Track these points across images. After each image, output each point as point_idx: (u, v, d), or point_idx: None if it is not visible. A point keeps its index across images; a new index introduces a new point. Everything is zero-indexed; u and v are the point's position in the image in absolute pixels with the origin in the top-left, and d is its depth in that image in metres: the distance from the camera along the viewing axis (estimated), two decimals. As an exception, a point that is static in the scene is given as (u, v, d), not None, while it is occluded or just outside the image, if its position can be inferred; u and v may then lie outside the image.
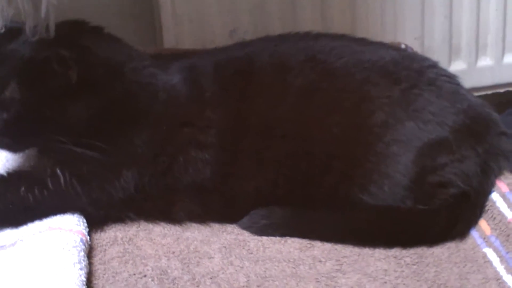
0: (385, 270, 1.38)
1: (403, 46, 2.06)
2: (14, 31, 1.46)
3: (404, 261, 1.41)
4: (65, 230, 1.35)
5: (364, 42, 1.66)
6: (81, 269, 1.26)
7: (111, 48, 1.53)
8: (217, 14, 2.09)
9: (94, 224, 1.43)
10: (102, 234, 1.44)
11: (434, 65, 1.62)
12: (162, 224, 1.49)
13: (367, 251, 1.44)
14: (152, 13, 2.18)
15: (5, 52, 1.46)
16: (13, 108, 1.41)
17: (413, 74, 1.55)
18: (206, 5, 2.08)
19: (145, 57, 1.56)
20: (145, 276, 1.32)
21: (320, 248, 1.45)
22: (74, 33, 1.50)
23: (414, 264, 1.40)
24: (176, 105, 1.51)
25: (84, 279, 1.25)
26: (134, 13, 2.24)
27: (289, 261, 1.40)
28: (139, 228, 1.47)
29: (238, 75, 1.55)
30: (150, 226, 1.48)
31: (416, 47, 2.17)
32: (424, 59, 1.66)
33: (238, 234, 1.49)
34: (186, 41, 2.05)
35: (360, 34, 1.74)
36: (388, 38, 2.09)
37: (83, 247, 1.33)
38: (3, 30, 1.42)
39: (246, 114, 1.52)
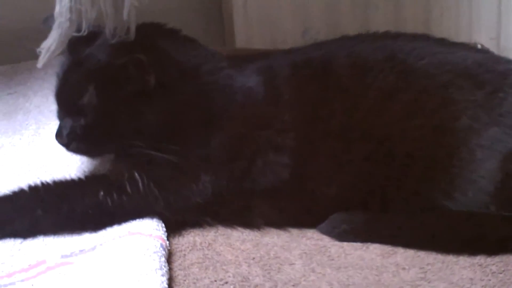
0: (471, 279, 1.33)
1: (479, 46, 2.01)
2: (90, 35, 1.46)
3: (490, 269, 1.35)
4: (145, 235, 1.33)
5: (444, 43, 1.61)
6: (162, 275, 1.23)
7: (187, 50, 1.52)
8: (289, 14, 2.07)
9: (172, 228, 1.41)
10: (181, 239, 1.42)
11: (518, 67, 1.57)
12: (240, 228, 1.47)
13: (451, 258, 1.39)
14: (221, 13, 2.16)
15: (82, 57, 1.45)
16: (90, 113, 1.41)
17: (497, 77, 1.50)
18: (278, 6, 2.06)
19: (221, 58, 1.54)
20: (226, 283, 1.29)
21: (402, 254, 1.41)
22: (150, 35, 1.48)
23: (500, 273, 1.34)
24: (253, 108, 1.49)
25: (166, 285, 1.22)
26: (203, 13, 2.22)
27: (372, 268, 1.36)
28: (217, 233, 1.44)
29: (315, 76, 1.52)
30: (228, 231, 1.46)
31: (492, 48, 2.12)
32: (509, 61, 1.60)
33: (317, 239, 1.45)
34: (257, 41, 2.04)
35: (434, 34, 1.69)
36: (463, 38, 2.03)
37: (163, 252, 1.30)
38: (85, 33, 1.40)
39: (324, 116, 1.48)
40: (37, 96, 1.99)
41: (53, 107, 1.82)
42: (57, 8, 1.38)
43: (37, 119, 1.87)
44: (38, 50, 1.42)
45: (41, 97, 1.98)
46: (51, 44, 1.39)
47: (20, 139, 1.79)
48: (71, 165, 1.59)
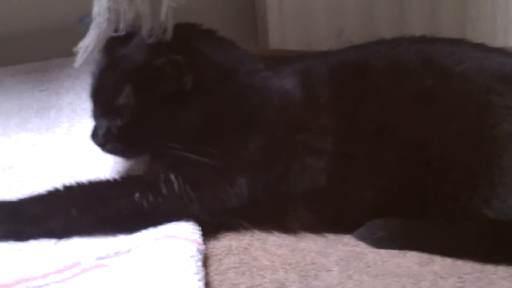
0: (509, 290, 1.30)
1: (516, 51, 1.98)
2: (125, 35, 1.45)
3: (529, 280, 1.33)
4: (181, 238, 1.31)
5: (483, 48, 1.59)
6: (199, 280, 1.22)
7: (224, 51, 1.51)
8: (324, 15, 2.06)
9: (207, 232, 1.39)
10: (216, 242, 1.40)
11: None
12: (276, 233, 1.45)
13: (489, 268, 1.37)
14: (254, 14, 2.15)
15: (118, 57, 1.45)
16: (126, 114, 1.41)
17: None
18: (313, 7, 2.05)
19: (258, 60, 1.53)
20: (263, 289, 1.27)
21: (440, 263, 1.38)
22: (187, 36, 1.47)
23: (539, 284, 1.32)
24: (290, 110, 1.47)
25: (203, 290, 1.20)
26: (235, 13, 2.21)
27: (409, 276, 1.33)
28: (253, 237, 1.42)
29: (353, 79, 1.50)
30: (264, 235, 1.44)
31: (528, 52, 2.08)
32: None
33: (354, 245, 1.43)
34: (291, 42, 2.03)
35: (470, 37, 1.67)
36: (499, 43, 2.01)
37: (200, 256, 1.29)
38: (123, 33, 1.39)
39: (361, 120, 1.47)
40: (69, 94, 1.98)
41: (85, 105, 1.82)
42: (95, 8, 1.38)
43: (70, 117, 1.86)
44: (75, 49, 1.41)
45: (73, 94, 1.98)
46: (88, 44, 1.39)
47: (53, 137, 1.78)
48: (105, 165, 1.58)
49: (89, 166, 1.61)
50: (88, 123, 1.70)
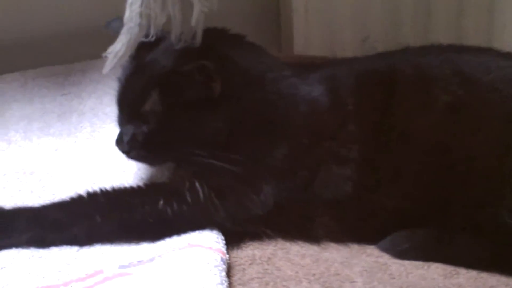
0: (536, 303, 1.28)
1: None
2: (153, 41, 1.43)
3: (556, 294, 1.31)
4: (205, 247, 1.30)
5: (510, 56, 1.56)
6: (224, 290, 1.20)
7: (252, 57, 1.49)
8: (349, 22, 2.05)
9: (230, 240, 1.38)
10: (239, 252, 1.38)
11: None
12: (299, 243, 1.44)
13: (515, 281, 1.35)
14: (278, 19, 2.14)
15: (145, 62, 1.44)
16: (153, 120, 1.40)
17: None
18: (338, 13, 2.04)
19: (285, 66, 1.52)
20: (287, 300, 1.25)
21: (465, 275, 1.37)
22: (215, 41, 1.46)
23: None
24: (317, 118, 1.46)
25: (227, 301, 1.19)
26: (258, 18, 2.20)
27: (434, 288, 1.31)
28: (276, 247, 1.41)
29: (380, 87, 1.49)
30: (287, 244, 1.42)
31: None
32: None
33: (377, 256, 1.42)
34: (316, 48, 2.02)
35: (496, 45, 1.66)
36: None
37: (224, 266, 1.27)
38: (153, 38, 1.38)
39: (388, 127, 1.45)
40: (91, 98, 1.97)
41: (107, 109, 1.83)
42: (127, 13, 1.37)
43: (92, 122, 1.86)
44: (103, 54, 1.40)
45: (95, 99, 1.97)
46: (119, 49, 1.37)
47: (75, 142, 1.77)
48: (127, 171, 1.57)
49: (111, 172, 1.60)
50: (110, 129, 1.71)
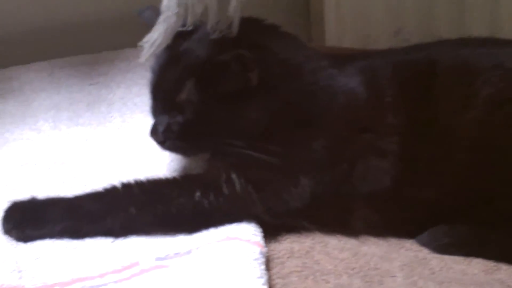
0: None
1: None
2: (186, 30, 1.41)
3: None
4: (243, 240, 1.28)
5: None
6: (263, 284, 1.18)
7: (289, 47, 1.47)
8: (382, 13, 2.03)
9: (268, 233, 1.35)
10: (278, 245, 1.36)
11: None
12: (337, 236, 1.41)
13: (558, 276, 1.32)
14: (308, 10, 2.12)
15: (180, 52, 1.42)
16: (188, 110, 1.37)
17: None
18: (371, 5, 2.02)
19: (323, 57, 1.49)
20: (327, 294, 1.23)
21: (506, 271, 1.34)
22: (251, 31, 1.43)
23: None
24: (355, 109, 1.43)
25: (267, 294, 1.17)
26: (288, 10, 2.18)
27: (476, 284, 1.29)
28: (314, 240, 1.38)
29: (419, 79, 1.46)
30: (325, 238, 1.40)
31: None
32: None
33: (417, 250, 1.40)
34: (348, 40, 2.00)
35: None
36: None
37: (263, 259, 1.25)
38: (190, 28, 1.36)
39: (428, 120, 1.42)
40: (120, 88, 1.96)
41: (136, 99, 1.82)
42: (165, 2, 1.35)
43: (121, 112, 1.84)
44: (139, 43, 1.38)
45: (124, 89, 1.95)
46: (156, 39, 1.35)
47: (105, 132, 1.75)
48: (159, 162, 1.55)
49: (142, 163, 1.58)
50: (140, 119, 1.69)
